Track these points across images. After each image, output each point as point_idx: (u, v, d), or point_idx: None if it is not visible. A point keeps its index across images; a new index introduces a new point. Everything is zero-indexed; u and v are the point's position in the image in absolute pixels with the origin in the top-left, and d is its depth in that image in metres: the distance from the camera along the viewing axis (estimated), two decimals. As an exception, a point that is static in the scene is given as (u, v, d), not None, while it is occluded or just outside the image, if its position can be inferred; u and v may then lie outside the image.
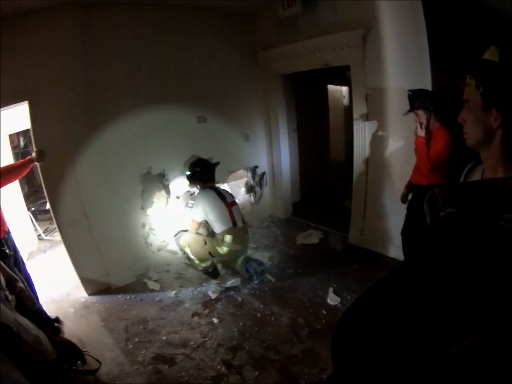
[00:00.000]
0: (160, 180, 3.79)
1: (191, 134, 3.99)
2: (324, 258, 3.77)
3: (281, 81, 4.56)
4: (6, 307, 1.31)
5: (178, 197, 3.93)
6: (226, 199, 3.28)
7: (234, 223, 3.28)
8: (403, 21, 3.06)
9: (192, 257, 3.44)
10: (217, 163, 3.54)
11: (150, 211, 3.75)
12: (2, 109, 2.88)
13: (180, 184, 3.93)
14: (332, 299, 2.99)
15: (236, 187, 4.72)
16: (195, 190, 4.00)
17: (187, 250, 3.44)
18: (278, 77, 4.51)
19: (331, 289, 3.11)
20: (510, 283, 0.62)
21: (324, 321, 2.75)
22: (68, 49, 2.99)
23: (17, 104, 2.93)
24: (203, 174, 3.37)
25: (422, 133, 2.66)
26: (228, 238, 3.22)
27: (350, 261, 3.64)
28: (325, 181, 6.35)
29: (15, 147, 5.62)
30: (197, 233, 3.40)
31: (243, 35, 4.40)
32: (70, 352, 1.59)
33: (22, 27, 2.80)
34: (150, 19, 3.50)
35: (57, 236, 4.86)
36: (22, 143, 6.16)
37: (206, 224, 3.38)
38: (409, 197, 2.96)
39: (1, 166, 2.76)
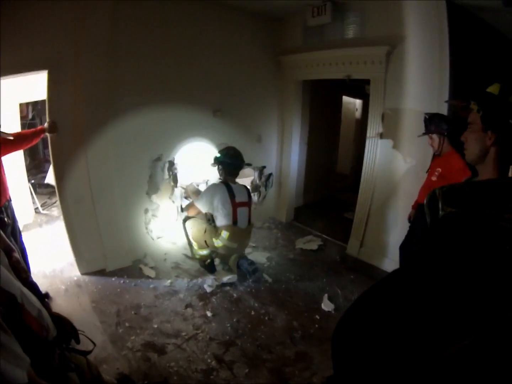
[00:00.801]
0: (169, 168, 3.77)
1: (205, 127, 3.98)
2: (321, 265, 3.74)
3: (299, 87, 4.58)
4: (11, 275, 1.26)
5: (183, 188, 3.90)
6: (234, 198, 3.26)
7: (235, 222, 3.26)
8: (428, 43, 3.09)
9: (192, 241, 3.45)
10: (249, 164, 3.49)
11: (154, 197, 3.72)
12: (18, 75, 2.83)
13: (188, 175, 3.92)
14: (327, 305, 2.97)
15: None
16: (201, 181, 4.01)
17: (189, 231, 3.44)
18: (297, 83, 4.53)
19: (326, 296, 3.09)
20: (510, 283, 0.63)
21: (317, 326, 2.73)
22: (96, 27, 2.94)
23: (36, 72, 2.87)
24: (230, 167, 3.33)
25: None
26: (225, 234, 3.23)
27: (347, 271, 3.62)
28: (329, 192, 6.34)
29: (23, 117, 5.56)
30: (202, 220, 3.41)
31: (270, 38, 4.44)
32: (67, 330, 1.54)
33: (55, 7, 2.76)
34: (178, 12, 3.48)
35: (54, 211, 4.83)
36: (30, 115, 6.11)
37: (210, 215, 3.35)
38: None
39: (11, 132, 2.73)
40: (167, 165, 3.74)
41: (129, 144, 3.41)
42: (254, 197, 4.70)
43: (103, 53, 3.03)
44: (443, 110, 2.92)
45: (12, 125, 4.08)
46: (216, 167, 3.42)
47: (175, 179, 3.82)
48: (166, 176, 3.76)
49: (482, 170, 1.07)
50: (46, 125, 2.87)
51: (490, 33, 3.51)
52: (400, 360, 0.66)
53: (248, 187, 4.61)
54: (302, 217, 5.12)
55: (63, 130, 2.96)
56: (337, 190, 6.48)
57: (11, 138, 2.52)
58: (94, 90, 3.05)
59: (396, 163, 3.51)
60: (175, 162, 3.78)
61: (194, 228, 3.39)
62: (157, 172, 3.67)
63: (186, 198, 3.95)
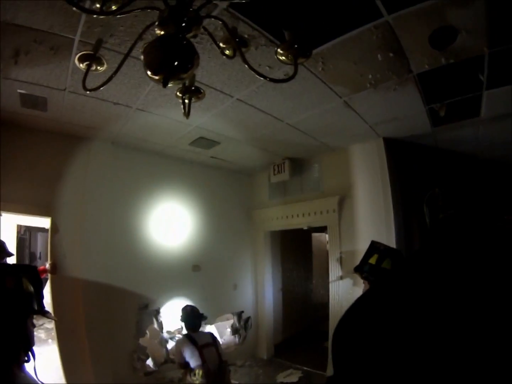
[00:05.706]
0: (155, 316, 4.14)
1: (186, 280, 4.45)
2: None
3: (269, 236, 5.26)
4: None
5: (169, 332, 4.20)
6: (197, 344, 3.50)
7: (204, 362, 3.41)
8: (372, 185, 3.70)
9: None
10: (205, 318, 3.82)
11: (141, 340, 3.97)
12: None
13: (173, 320, 4.24)
14: None
15: (223, 328, 5.01)
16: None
17: None
18: (266, 233, 5.22)
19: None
20: (510, 283, 0.65)
21: None
22: (97, 182, 3.57)
23: (40, 217, 3.35)
24: (190, 322, 3.66)
25: None
26: (197, 373, 3.36)
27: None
28: (307, 323, 6.51)
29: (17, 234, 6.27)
30: None
31: (242, 193, 5.25)
32: None
33: (61, 149, 3.43)
34: (162, 170, 4.30)
35: (41, 333, 4.81)
36: (22, 231, 7.05)
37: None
38: None
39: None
40: (154, 313, 4.11)
41: (120, 291, 3.78)
42: (235, 338, 4.96)
43: (101, 207, 3.60)
44: (392, 245, 3.24)
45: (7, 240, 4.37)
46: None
47: (161, 326, 4.17)
48: (154, 323, 4.10)
49: None
50: (48, 266, 3.22)
51: (432, 160, 4.08)
52: (401, 360, 0.64)
53: (229, 329, 4.94)
54: (282, 352, 5.28)
55: (62, 272, 3.29)
56: (315, 321, 6.63)
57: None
58: (91, 242, 3.51)
59: (357, 294, 3.93)
60: (160, 310, 4.17)
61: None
62: (143, 319, 4.01)
63: (171, 339, 4.21)
